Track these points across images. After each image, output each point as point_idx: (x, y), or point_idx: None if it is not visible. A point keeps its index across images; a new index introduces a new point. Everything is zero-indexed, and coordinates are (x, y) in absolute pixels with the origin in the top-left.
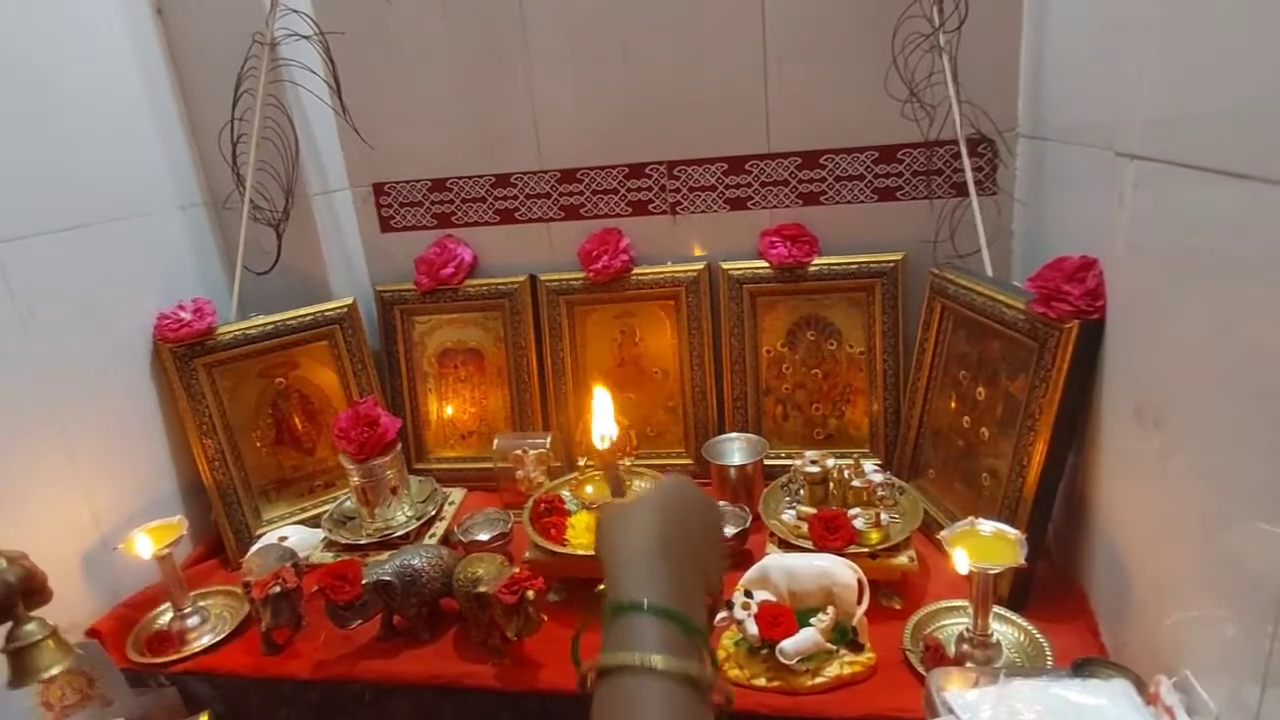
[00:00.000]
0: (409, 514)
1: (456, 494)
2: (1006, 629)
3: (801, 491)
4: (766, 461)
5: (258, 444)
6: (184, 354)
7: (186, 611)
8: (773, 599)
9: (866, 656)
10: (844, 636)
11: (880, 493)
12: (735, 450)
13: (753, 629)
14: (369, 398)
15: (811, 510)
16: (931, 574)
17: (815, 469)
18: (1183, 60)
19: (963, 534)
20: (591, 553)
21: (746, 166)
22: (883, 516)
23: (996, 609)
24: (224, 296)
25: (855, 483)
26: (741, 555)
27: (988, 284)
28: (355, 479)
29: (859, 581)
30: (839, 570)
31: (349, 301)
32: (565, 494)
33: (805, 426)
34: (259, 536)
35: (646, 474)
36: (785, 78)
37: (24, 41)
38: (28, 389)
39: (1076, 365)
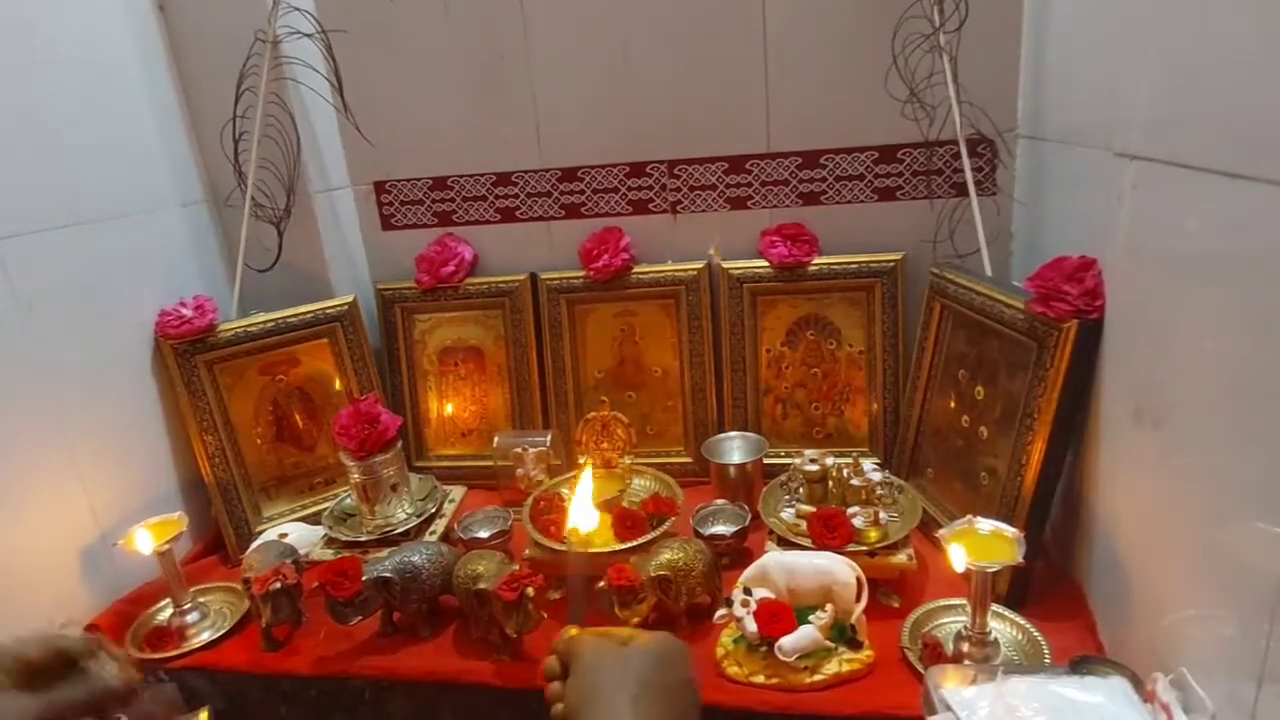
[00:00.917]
0: (409, 511)
1: (457, 491)
2: (1004, 627)
3: (800, 490)
4: (766, 460)
5: (258, 441)
6: (185, 351)
7: (186, 607)
8: (772, 596)
9: (865, 654)
10: (843, 634)
11: (879, 491)
12: (735, 449)
13: (751, 626)
14: (369, 395)
15: (810, 508)
16: (930, 573)
17: (814, 467)
18: (1182, 61)
19: (961, 532)
20: (593, 550)
21: (747, 166)
22: (881, 515)
23: (994, 607)
24: (225, 294)
25: (854, 481)
26: (740, 553)
27: (987, 284)
28: (356, 476)
29: (858, 579)
30: (838, 568)
31: (350, 299)
32: (565, 492)
33: (805, 425)
34: (259, 533)
35: (646, 472)
36: (786, 77)
37: (26, 38)
38: (28, 385)
39: (1075, 365)
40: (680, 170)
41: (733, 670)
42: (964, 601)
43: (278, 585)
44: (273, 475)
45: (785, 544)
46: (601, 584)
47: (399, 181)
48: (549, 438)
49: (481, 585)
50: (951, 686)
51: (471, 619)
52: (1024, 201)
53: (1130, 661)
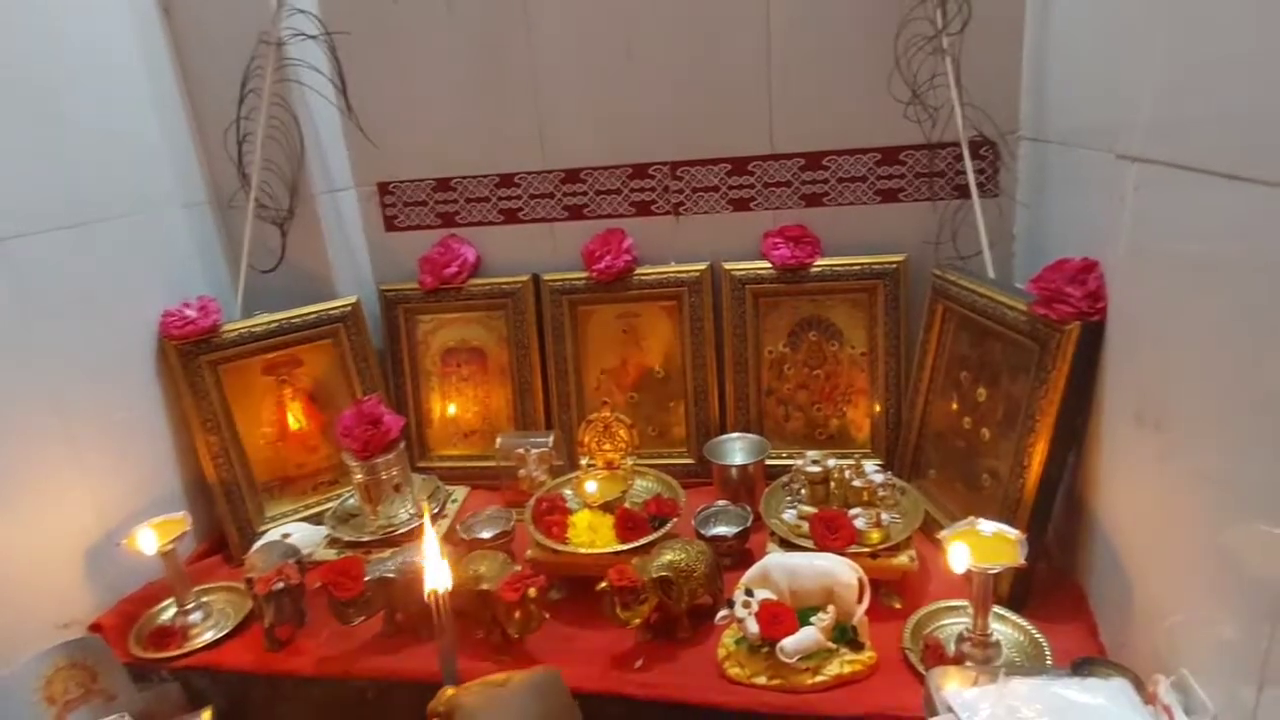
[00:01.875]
0: (412, 512)
1: (459, 492)
2: (1006, 629)
3: (803, 491)
4: (768, 462)
5: (261, 441)
6: (189, 351)
7: (189, 607)
8: (774, 598)
9: (867, 655)
10: (844, 635)
11: (881, 493)
12: (737, 450)
13: (753, 627)
14: (372, 396)
15: (812, 510)
16: (932, 574)
17: (816, 469)
18: (1184, 63)
19: (963, 534)
20: (595, 550)
21: (750, 167)
22: (883, 516)
23: (996, 609)
24: (229, 294)
25: (856, 483)
26: (742, 555)
27: (989, 285)
28: (358, 477)
29: (860, 581)
30: (840, 570)
31: (353, 300)
32: (567, 493)
33: (807, 427)
34: (262, 533)
35: (648, 473)
36: (789, 79)
37: (32, 40)
38: (33, 384)
39: (1077, 367)
40: (683, 172)
41: (734, 671)
42: (966, 603)
43: (280, 585)
44: (276, 475)
45: (787, 545)
46: (603, 585)
47: (402, 183)
48: (551, 439)
49: (484, 585)
50: (953, 687)
51: (474, 619)
52: (1026, 203)
53: (1132, 664)
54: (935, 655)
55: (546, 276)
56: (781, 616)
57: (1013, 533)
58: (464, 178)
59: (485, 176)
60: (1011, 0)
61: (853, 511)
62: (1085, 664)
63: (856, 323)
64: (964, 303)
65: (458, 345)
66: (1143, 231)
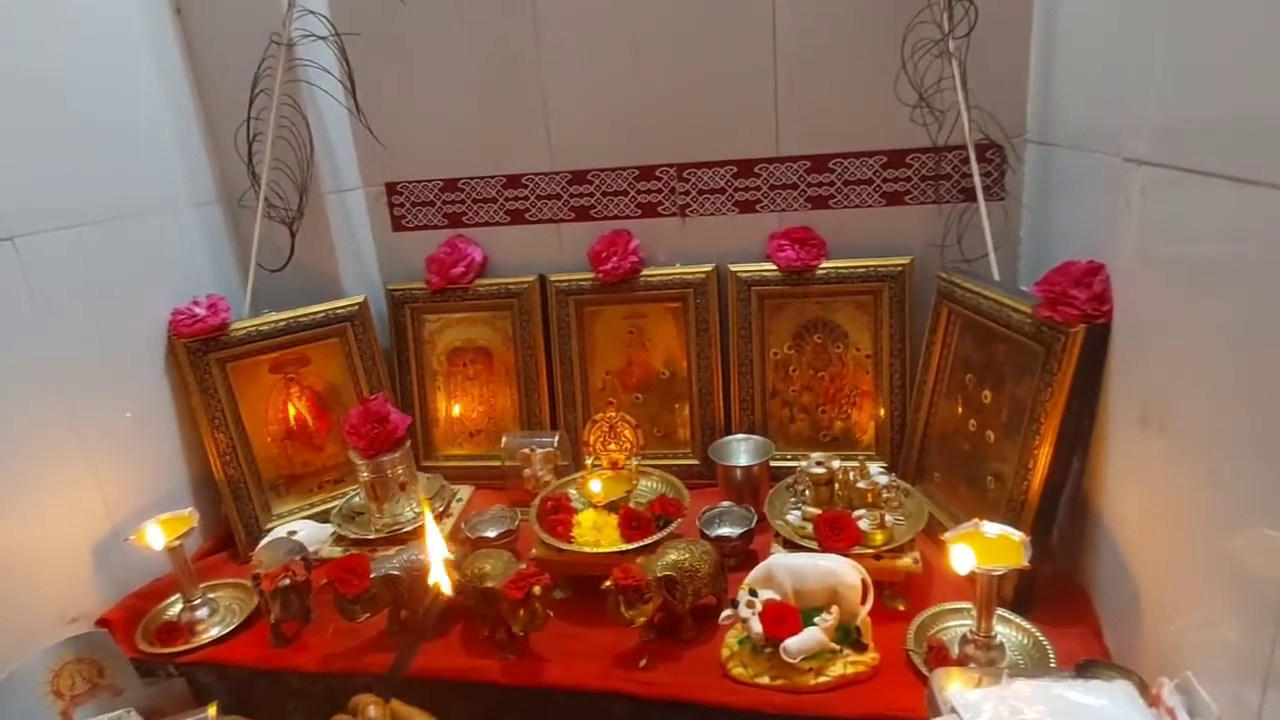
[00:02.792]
0: (417, 510)
1: (464, 491)
2: (1010, 631)
3: (807, 493)
4: (772, 463)
5: (268, 439)
6: (198, 349)
7: (196, 603)
8: (777, 598)
9: (870, 656)
10: (848, 636)
11: (885, 495)
12: (741, 451)
13: (757, 627)
14: (379, 394)
15: (817, 511)
16: (935, 576)
17: (821, 470)
18: (1191, 66)
19: (967, 536)
20: (599, 550)
21: (756, 170)
22: (887, 518)
23: (1000, 611)
24: (238, 293)
25: (860, 484)
26: (746, 556)
27: (995, 288)
28: (364, 475)
29: (863, 582)
30: (844, 570)
31: (360, 299)
32: (572, 492)
33: (811, 429)
34: (268, 530)
35: (653, 473)
36: (795, 82)
37: (45, 40)
38: (44, 380)
39: (1082, 369)
40: (689, 174)
41: (738, 671)
42: (969, 605)
43: (286, 582)
44: (282, 473)
45: (791, 546)
46: (607, 584)
47: (410, 183)
48: (556, 439)
49: (488, 584)
50: (956, 688)
51: (478, 618)
52: (1032, 206)
53: (1136, 666)
54: (939, 657)
55: (553, 277)
56: (785, 617)
57: (1017, 535)
58: (471, 178)
59: (492, 177)
60: (1018, 3)
61: (857, 513)
62: (1089, 666)
63: (861, 325)
64: (969, 305)
65: (464, 345)
66: (1149, 234)
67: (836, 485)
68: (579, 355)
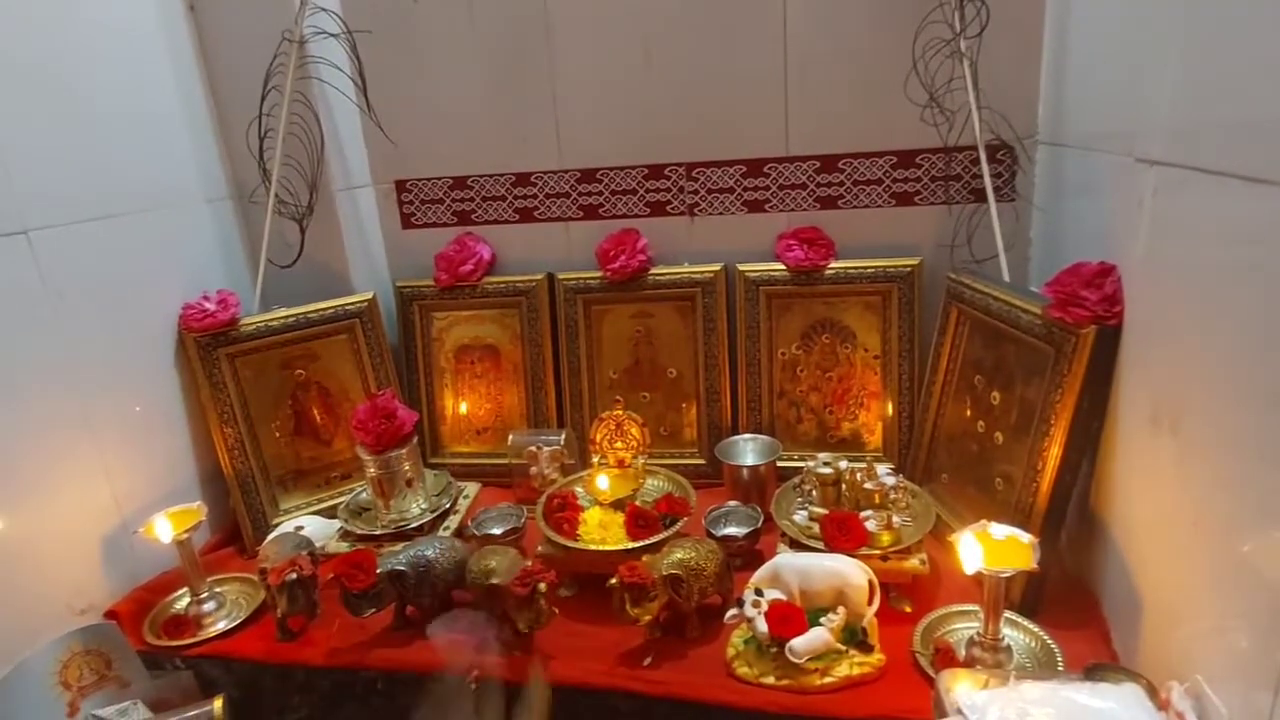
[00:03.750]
0: (424, 506)
1: (471, 488)
2: (1017, 634)
3: (814, 493)
4: (779, 464)
5: (277, 434)
6: (207, 344)
7: (203, 596)
8: (783, 598)
9: (876, 657)
10: (854, 637)
11: (893, 495)
12: (748, 451)
13: (763, 627)
14: (387, 390)
15: (824, 511)
16: (943, 578)
17: (828, 470)
18: (1206, 65)
19: (975, 537)
20: (605, 548)
21: (765, 169)
22: (895, 519)
23: (1008, 614)
24: (247, 289)
25: (868, 485)
26: (752, 555)
27: (1004, 289)
28: (372, 470)
29: (870, 582)
30: (850, 571)
31: (369, 296)
32: (578, 490)
33: (819, 429)
34: (276, 525)
35: (660, 472)
36: (806, 81)
37: (59, 36)
38: (56, 373)
39: (1092, 371)
40: (698, 173)
41: (743, 671)
42: (977, 608)
43: (293, 576)
44: (290, 468)
45: (797, 546)
46: (613, 581)
47: (419, 180)
48: (563, 437)
49: (494, 580)
50: (963, 690)
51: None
52: (1043, 207)
53: (1145, 670)
54: (945, 659)
55: (561, 275)
56: (791, 617)
57: (1025, 537)
58: (481, 176)
59: (502, 175)
60: (1031, 3)
61: (864, 513)
62: (1097, 669)
63: (870, 326)
64: (979, 306)
65: (472, 342)
66: (1161, 235)
67: (844, 486)
68: (586, 353)
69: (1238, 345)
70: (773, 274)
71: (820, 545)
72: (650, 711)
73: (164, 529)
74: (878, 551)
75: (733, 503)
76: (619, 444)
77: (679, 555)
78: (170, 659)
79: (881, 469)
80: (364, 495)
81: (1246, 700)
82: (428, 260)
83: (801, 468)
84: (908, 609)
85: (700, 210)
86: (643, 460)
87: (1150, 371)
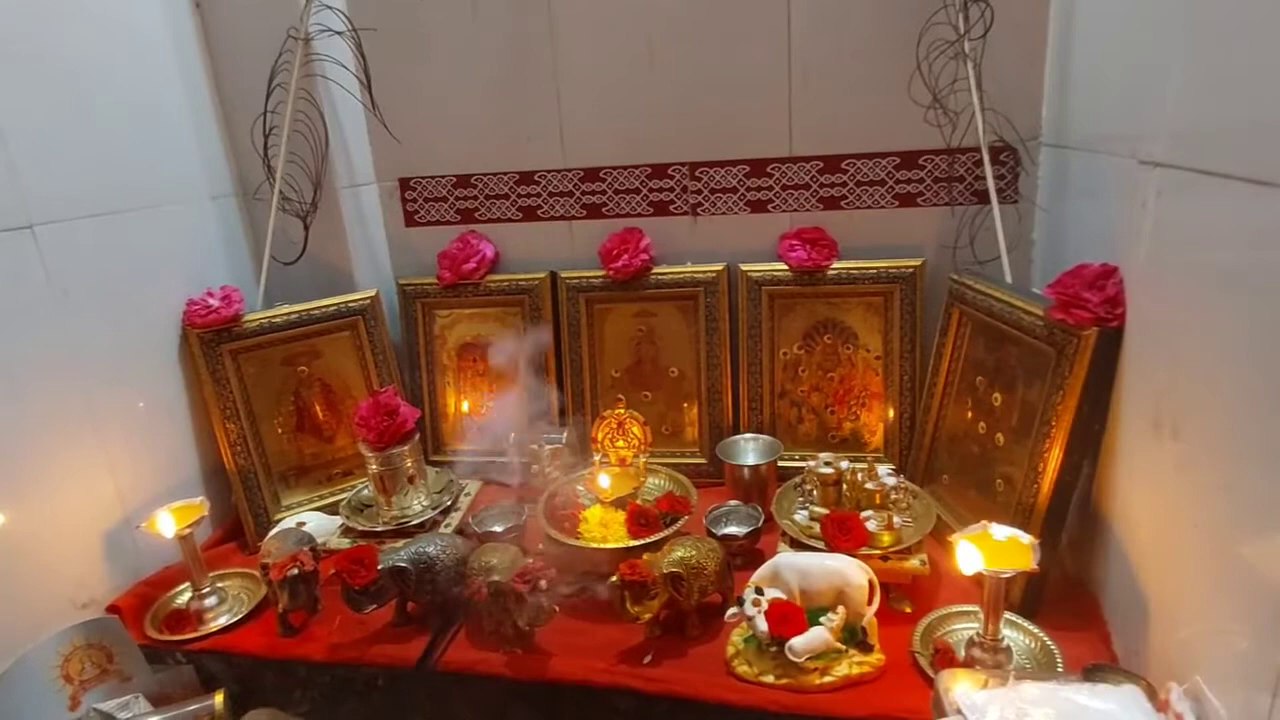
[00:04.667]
0: (425, 503)
1: (472, 486)
2: (1017, 635)
3: (814, 493)
4: (780, 464)
5: (279, 430)
6: (211, 340)
7: (205, 591)
8: (783, 597)
9: (875, 657)
10: (854, 636)
11: (893, 496)
12: (749, 451)
13: (762, 626)
14: (389, 387)
15: (824, 511)
16: (943, 579)
17: (829, 470)
18: (1210, 67)
19: (975, 538)
20: (606, 545)
21: (768, 169)
22: (895, 519)
23: (1008, 615)
24: (251, 285)
25: (869, 485)
26: (753, 554)
27: (1007, 290)
28: (373, 467)
29: (870, 582)
30: (850, 570)
31: (372, 293)
32: (580, 488)
33: (820, 430)
34: (278, 521)
35: (661, 471)
36: (809, 82)
37: (66, 33)
38: (60, 368)
39: (1094, 373)
40: (701, 173)
41: (743, 670)
42: (977, 608)
43: (295, 572)
44: (292, 464)
45: (798, 546)
46: (614, 579)
47: (423, 178)
48: (565, 435)
49: (495, 577)
50: (963, 689)
51: (484, 611)
52: (1046, 209)
53: (1145, 672)
54: (945, 659)
55: (564, 274)
56: (791, 616)
57: (1026, 538)
58: (484, 174)
59: (505, 174)
60: (1035, 5)
61: (865, 514)
62: (1096, 670)
63: (872, 326)
64: (981, 307)
65: (474, 340)
66: (1164, 237)
67: (844, 486)
68: (589, 352)
69: (1240, 348)
70: (775, 274)
71: (821, 545)
72: (650, 709)
73: (166, 524)
74: (878, 552)
75: (733, 502)
76: (620, 442)
77: (679, 554)
78: (172, 653)
79: (882, 469)
80: (366, 492)
81: (1246, 702)
82: (431, 258)
83: (802, 468)
84: (908, 609)
85: (703, 210)
86: (644, 459)
87: (1152, 374)
